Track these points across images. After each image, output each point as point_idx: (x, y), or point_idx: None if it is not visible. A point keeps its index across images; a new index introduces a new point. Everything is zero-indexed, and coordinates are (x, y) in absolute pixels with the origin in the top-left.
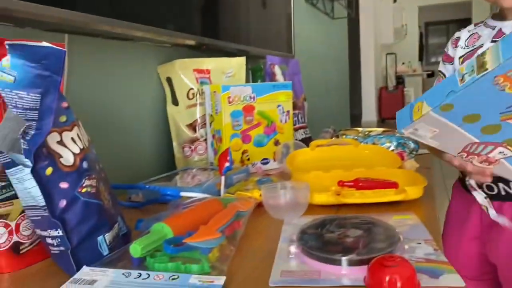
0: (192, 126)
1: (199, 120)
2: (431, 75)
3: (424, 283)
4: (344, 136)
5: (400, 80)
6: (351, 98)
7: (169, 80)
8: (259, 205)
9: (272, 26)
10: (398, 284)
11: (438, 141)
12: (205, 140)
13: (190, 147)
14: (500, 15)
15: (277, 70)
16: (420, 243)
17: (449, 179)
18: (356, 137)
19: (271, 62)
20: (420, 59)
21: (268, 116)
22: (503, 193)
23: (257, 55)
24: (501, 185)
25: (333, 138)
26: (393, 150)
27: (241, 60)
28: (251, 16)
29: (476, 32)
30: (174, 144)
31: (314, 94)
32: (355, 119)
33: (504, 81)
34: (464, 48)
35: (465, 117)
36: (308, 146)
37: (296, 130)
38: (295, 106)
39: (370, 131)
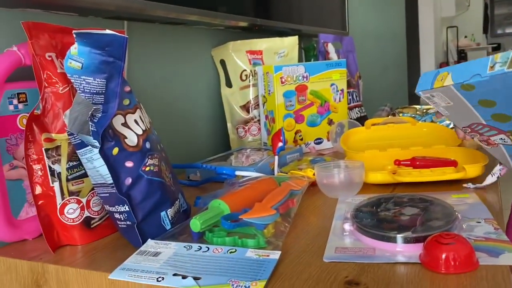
0: (246, 107)
1: (252, 101)
2: (497, 48)
3: (483, 261)
4: (401, 114)
5: (462, 55)
6: (409, 75)
7: (222, 62)
8: (313, 184)
9: (325, 4)
10: (455, 262)
11: (449, 112)
12: (258, 120)
13: (244, 128)
14: None
15: (330, 48)
16: (480, 222)
17: None
18: (413, 115)
19: (324, 40)
20: (485, 31)
21: (321, 96)
22: None
23: (310, 34)
24: None
25: (389, 117)
26: (453, 127)
27: (294, 39)
28: None
29: None
30: (229, 125)
31: (370, 72)
32: (414, 97)
33: None
34: None
35: (481, 100)
36: (363, 125)
37: (350, 109)
38: (349, 85)
39: (428, 109)
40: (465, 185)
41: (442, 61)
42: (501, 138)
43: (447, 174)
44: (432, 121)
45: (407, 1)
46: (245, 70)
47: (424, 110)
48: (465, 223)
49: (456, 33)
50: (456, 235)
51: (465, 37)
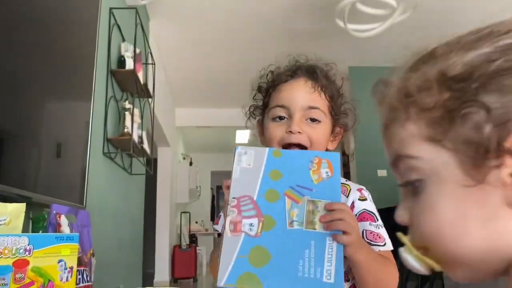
0: None
1: None
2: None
3: None
4: None
5: (193, 239)
6: (145, 256)
7: None
8: None
9: (65, 175)
10: None
11: (240, 176)
12: None
13: None
14: None
15: (63, 220)
16: None
17: None
18: None
19: (57, 211)
20: (212, 219)
21: (45, 273)
22: None
23: (42, 203)
24: None
25: None
26: None
27: (19, 206)
28: (42, 162)
29: None
30: None
31: (105, 250)
32: (148, 278)
33: (317, 169)
34: None
35: (273, 170)
36: None
37: None
38: (80, 262)
39: None
40: None
41: (176, 243)
42: (251, 224)
43: None
44: None
45: (147, 185)
46: None
47: None
48: None
49: (189, 218)
50: None
51: (196, 222)
